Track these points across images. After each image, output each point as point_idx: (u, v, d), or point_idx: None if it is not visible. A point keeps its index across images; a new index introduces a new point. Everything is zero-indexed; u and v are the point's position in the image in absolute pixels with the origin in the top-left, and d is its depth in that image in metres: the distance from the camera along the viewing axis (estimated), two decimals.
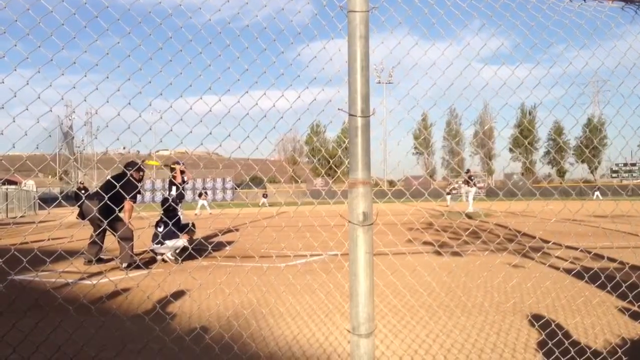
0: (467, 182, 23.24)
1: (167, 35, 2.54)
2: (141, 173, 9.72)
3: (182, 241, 9.61)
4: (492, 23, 3.18)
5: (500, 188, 52.71)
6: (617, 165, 65.31)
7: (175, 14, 2.57)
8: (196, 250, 10.14)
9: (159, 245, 9.69)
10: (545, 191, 39.35)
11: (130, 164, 9.52)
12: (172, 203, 10.13)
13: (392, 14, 2.81)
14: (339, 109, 2.38)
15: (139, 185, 9.75)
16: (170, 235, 9.57)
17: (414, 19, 2.92)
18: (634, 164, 63.91)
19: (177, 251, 9.67)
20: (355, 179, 2.27)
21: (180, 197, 11.83)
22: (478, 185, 62.36)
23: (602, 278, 4.82)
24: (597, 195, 45.42)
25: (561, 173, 75.31)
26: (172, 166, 12.53)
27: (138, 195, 11.51)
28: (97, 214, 8.50)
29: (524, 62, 3.39)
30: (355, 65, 2.26)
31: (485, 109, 68.06)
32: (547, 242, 10.62)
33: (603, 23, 3.41)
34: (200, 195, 34.85)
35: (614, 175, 66.42)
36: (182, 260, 9.13)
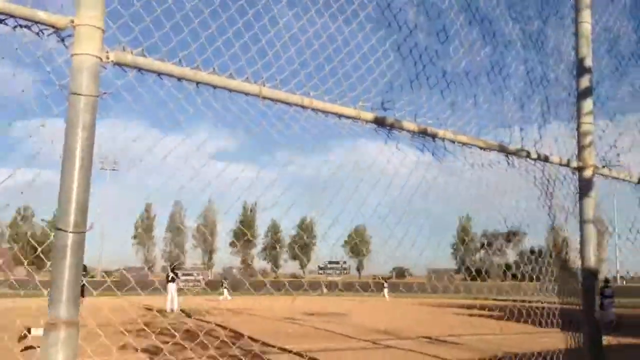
0: (172, 279, 22.16)
1: None
2: None
3: None
4: (226, 124, 2.96)
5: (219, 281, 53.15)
6: (323, 263, 72.28)
7: None
8: None
9: None
10: (258, 285, 40.15)
11: None
12: None
13: (126, 104, 2.32)
14: (42, 220, 1.75)
15: None
16: None
17: (145, 112, 2.49)
18: (336, 262, 71.55)
19: None
20: (56, 318, 1.60)
21: None
22: (193, 278, 61.89)
23: None
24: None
25: (276, 268, 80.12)
26: None
27: None
28: None
29: (247, 163, 3.23)
30: (72, 163, 1.68)
31: (209, 204, 69.88)
32: (271, 345, 10.56)
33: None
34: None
35: (320, 272, 73.10)
36: None
